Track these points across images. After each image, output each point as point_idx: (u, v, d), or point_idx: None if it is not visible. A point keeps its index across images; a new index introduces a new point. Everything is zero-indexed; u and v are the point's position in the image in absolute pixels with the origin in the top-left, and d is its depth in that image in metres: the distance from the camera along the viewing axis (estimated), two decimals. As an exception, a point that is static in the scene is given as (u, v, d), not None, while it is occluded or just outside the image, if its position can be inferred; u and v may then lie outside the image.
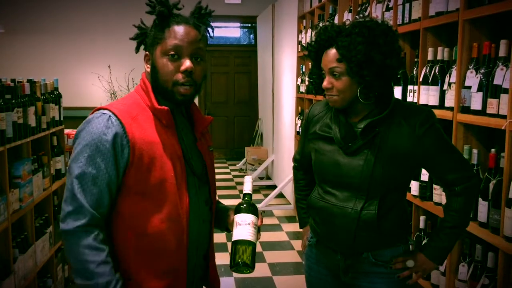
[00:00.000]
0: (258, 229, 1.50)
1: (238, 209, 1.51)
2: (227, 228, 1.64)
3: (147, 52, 1.52)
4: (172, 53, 1.45)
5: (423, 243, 2.41)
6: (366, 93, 1.68)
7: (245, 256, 1.43)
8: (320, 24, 4.62)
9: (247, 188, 1.57)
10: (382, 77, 1.66)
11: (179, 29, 1.46)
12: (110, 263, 1.39)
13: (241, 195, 1.59)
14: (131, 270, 1.45)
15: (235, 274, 4.00)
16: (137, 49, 1.56)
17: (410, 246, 1.85)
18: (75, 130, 1.49)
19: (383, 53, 1.64)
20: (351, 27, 1.67)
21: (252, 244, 1.45)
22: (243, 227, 1.47)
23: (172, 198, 1.45)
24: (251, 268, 1.44)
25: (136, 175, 1.42)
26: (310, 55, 1.79)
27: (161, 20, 1.48)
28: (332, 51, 1.69)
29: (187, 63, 1.45)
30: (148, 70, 1.51)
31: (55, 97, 3.31)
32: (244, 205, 1.51)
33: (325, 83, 1.71)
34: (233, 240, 1.47)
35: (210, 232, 1.63)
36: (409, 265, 1.76)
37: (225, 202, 1.63)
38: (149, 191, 1.44)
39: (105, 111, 1.44)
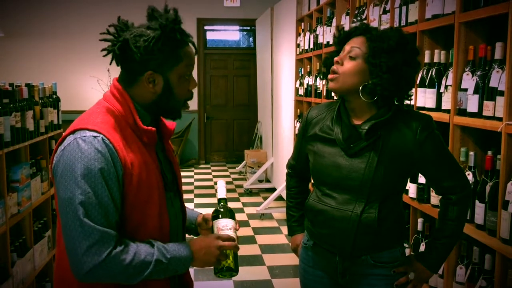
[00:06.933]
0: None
1: (216, 215, 1.52)
2: (197, 233, 1.66)
3: (151, 72, 1.38)
4: (189, 74, 1.45)
5: (420, 251, 2.41)
6: (370, 93, 1.67)
7: (229, 261, 1.45)
8: (319, 27, 4.66)
9: (222, 193, 1.58)
10: (393, 84, 1.65)
11: (192, 51, 1.44)
12: (137, 244, 1.33)
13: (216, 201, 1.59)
14: None
15: (235, 278, 3.99)
16: (117, 62, 1.45)
17: (406, 250, 1.86)
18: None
19: (407, 64, 1.66)
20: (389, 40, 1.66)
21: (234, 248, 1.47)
22: (224, 232, 1.48)
23: (154, 220, 1.40)
24: (235, 272, 1.46)
25: (127, 199, 1.36)
26: (339, 38, 1.78)
27: (171, 40, 1.37)
28: (360, 38, 1.70)
29: (195, 82, 1.48)
30: (153, 91, 1.40)
31: (53, 101, 3.32)
32: (222, 210, 1.52)
33: (337, 58, 1.71)
34: None
35: (183, 239, 1.60)
36: (410, 277, 1.78)
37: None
38: (133, 213, 1.37)
39: (96, 134, 1.32)
